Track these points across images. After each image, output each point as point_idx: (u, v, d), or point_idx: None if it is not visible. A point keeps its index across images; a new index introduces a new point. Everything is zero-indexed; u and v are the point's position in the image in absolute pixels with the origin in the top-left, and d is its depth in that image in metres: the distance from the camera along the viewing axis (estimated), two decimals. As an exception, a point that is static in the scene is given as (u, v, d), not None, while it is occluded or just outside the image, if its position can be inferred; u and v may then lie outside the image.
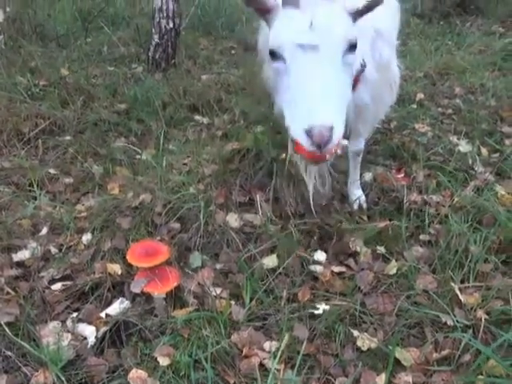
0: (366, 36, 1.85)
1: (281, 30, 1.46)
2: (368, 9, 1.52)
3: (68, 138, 3.09)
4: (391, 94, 2.20)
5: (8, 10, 4.72)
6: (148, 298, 1.80)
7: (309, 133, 1.33)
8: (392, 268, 1.96)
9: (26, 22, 4.96)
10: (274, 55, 1.47)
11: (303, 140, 1.36)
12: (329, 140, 1.34)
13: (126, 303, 1.78)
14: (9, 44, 4.40)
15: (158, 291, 1.70)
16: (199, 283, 1.85)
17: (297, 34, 1.41)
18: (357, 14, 1.51)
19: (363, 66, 1.83)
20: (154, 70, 4.09)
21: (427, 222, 2.22)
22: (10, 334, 1.60)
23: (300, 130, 1.36)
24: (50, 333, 1.66)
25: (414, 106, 3.70)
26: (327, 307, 1.77)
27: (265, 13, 1.54)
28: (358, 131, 2.28)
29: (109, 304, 1.80)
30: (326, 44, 1.40)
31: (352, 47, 1.46)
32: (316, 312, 1.76)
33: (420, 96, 3.86)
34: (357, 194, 2.44)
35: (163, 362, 1.53)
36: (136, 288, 1.71)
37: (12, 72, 3.74)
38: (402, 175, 2.70)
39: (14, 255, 2.06)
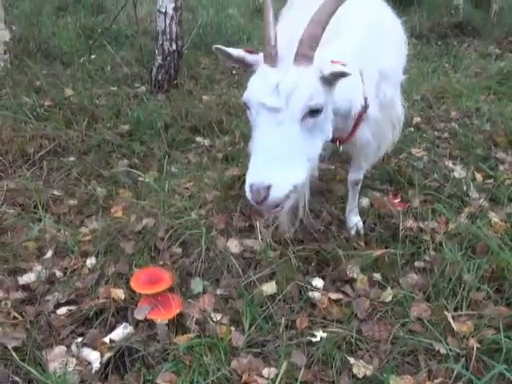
0: (371, 78, 1.91)
1: (251, 86, 1.53)
2: (341, 76, 1.51)
3: (72, 159, 3.15)
4: (394, 132, 2.26)
5: (14, 28, 4.82)
6: (151, 323, 1.85)
7: (249, 189, 1.43)
8: (388, 295, 2.01)
9: (31, 40, 5.06)
10: (246, 105, 1.56)
11: (247, 194, 1.45)
12: (265, 198, 1.40)
13: (130, 329, 1.83)
14: (14, 63, 4.48)
15: (161, 318, 1.76)
16: (200, 309, 1.90)
17: (262, 93, 1.47)
18: (331, 79, 1.51)
19: (365, 107, 1.88)
20: (156, 91, 4.17)
21: (422, 249, 2.29)
22: (17, 359, 1.65)
23: (246, 183, 1.45)
24: (55, 357, 1.71)
25: (411, 130, 3.79)
26: (324, 334, 1.83)
27: (247, 67, 1.62)
28: (359, 165, 2.36)
29: (112, 329, 1.86)
30: (285, 108, 1.45)
31: (315, 112, 1.49)
32: (314, 339, 1.81)
33: (417, 119, 3.96)
34: (354, 220, 2.50)
35: (165, 388, 1.58)
36: (139, 315, 1.76)
37: (17, 92, 3.82)
38: (399, 200, 2.77)
39: (19, 278, 2.12)
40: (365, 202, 2.72)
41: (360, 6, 2.04)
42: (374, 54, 1.92)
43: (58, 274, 2.15)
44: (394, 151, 3.38)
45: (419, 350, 1.79)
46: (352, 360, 1.75)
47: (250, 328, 1.86)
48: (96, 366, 1.69)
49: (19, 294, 2.03)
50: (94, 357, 1.71)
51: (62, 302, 1.98)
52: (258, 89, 1.49)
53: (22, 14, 6.47)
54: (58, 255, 2.28)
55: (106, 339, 1.78)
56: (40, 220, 2.51)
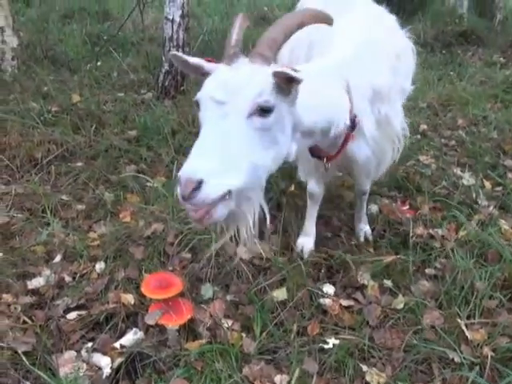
0: (363, 95, 1.88)
1: (204, 85, 1.47)
2: (293, 81, 1.42)
3: (80, 164, 3.16)
4: (394, 148, 2.19)
5: (21, 35, 4.85)
6: (161, 329, 1.84)
7: (179, 182, 1.30)
8: (399, 303, 2.00)
9: (38, 46, 5.08)
10: (197, 105, 1.48)
11: (177, 188, 1.31)
12: (193, 194, 1.27)
13: (140, 334, 1.82)
14: (22, 69, 4.50)
15: (172, 323, 1.75)
16: (211, 315, 1.89)
17: (211, 88, 1.43)
18: (283, 85, 1.43)
19: (352, 126, 1.82)
20: (163, 97, 4.18)
21: (433, 256, 2.27)
22: (27, 363, 1.64)
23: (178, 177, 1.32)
24: (65, 362, 1.70)
25: (418, 137, 3.79)
26: (337, 341, 1.81)
27: (205, 76, 1.53)
28: (362, 180, 2.34)
29: (122, 334, 1.84)
30: (231, 102, 1.38)
31: (264, 111, 1.39)
32: (326, 346, 1.79)
33: (423, 127, 3.95)
34: (363, 227, 2.49)
35: (178, 395, 1.56)
36: (150, 320, 1.75)
37: (25, 97, 3.83)
38: (407, 207, 2.76)
39: (28, 282, 2.11)
40: (374, 208, 2.71)
41: (356, 21, 2.04)
42: (366, 71, 1.89)
43: (67, 278, 2.14)
44: (402, 158, 3.38)
45: (433, 358, 1.77)
46: (365, 368, 1.73)
47: (261, 334, 1.85)
48: (107, 371, 1.67)
49: (28, 299, 2.02)
50: (104, 362, 1.69)
51: (72, 306, 1.96)
52: (209, 85, 1.45)
53: (29, 21, 6.51)
54: (67, 260, 2.27)
55: (117, 344, 1.77)
56: (48, 224, 2.51)
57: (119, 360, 1.70)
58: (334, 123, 1.75)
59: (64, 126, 3.48)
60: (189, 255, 2.23)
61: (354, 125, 1.83)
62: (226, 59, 1.50)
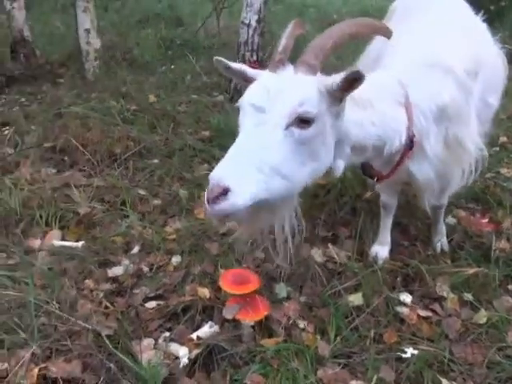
0: (426, 113, 1.75)
1: (247, 89, 1.44)
2: (348, 85, 1.36)
3: (156, 161, 3.26)
4: (464, 171, 1.96)
5: (103, 37, 5.09)
6: (236, 324, 1.85)
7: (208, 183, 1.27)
8: (482, 317, 1.91)
9: (117, 49, 5.32)
10: (239, 110, 1.44)
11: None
12: (217, 199, 1.23)
13: (215, 327, 1.84)
14: (103, 69, 4.72)
15: (249, 319, 1.76)
16: (285, 314, 1.89)
17: (252, 93, 1.39)
18: (337, 91, 1.38)
19: (410, 145, 1.73)
20: (235, 100, 4.23)
21: (517, 272, 2.16)
22: (110, 346, 1.70)
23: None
24: (144, 349, 1.74)
25: (497, 149, 3.63)
26: (415, 351, 1.75)
27: (248, 82, 1.49)
28: (425, 199, 2.07)
29: (198, 326, 1.87)
30: (270, 110, 1.33)
31: (304, 122, 1.34)
32: (404, 355, 1.74)
33: (503, 139, 3.78)
34: (439, 238, 2.40)
35: (255, 390, 1.57)
36: (228, 314, 1.77)
37: (106, 96, 4.01)
38: (487, 220, 2.64)
39: (108, 270, 2.19)
40: (451, 220, 2.62)
41: (425, 29, 1.92)
42: (429, 87, 1.76)
43: (145, 269, 2.21)
44: (480, 170, 3.26)
45: (518, 378, 1.68)
46: (445, 381, 1.67)
47: (335, 338, 1.82)
48: (184, 361, 1.70)
49: (109, 286, 2.10)
50: (182, 352, 1.73)
51: (150, 296, 2.02)
52: (251, 91, 1.41)
53: (109, 25, 6.83)
54: (145, 251, 2.34)
55: (194, 336, 1.80)
56: (127, 217, 2.61)
57: (196, 351, 1.73)
58: (388, 141, 1.66)
59: (141, 124, 3.62)
60: (262, 255, 2.24)
61: (411, 144, 1.72)
62: (271, 66, 1.46)
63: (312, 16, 9.27)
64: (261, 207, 1.37)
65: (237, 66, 1.55)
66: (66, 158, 3.27)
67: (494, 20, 7.95)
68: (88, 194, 2.81)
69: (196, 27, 6.30)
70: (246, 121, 1.37)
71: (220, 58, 1.55)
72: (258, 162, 1.29)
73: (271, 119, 1.33)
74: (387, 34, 1.60)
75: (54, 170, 3.13)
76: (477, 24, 2.17)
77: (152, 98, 4.12)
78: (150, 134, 3.54)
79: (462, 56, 1.85)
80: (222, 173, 1.27)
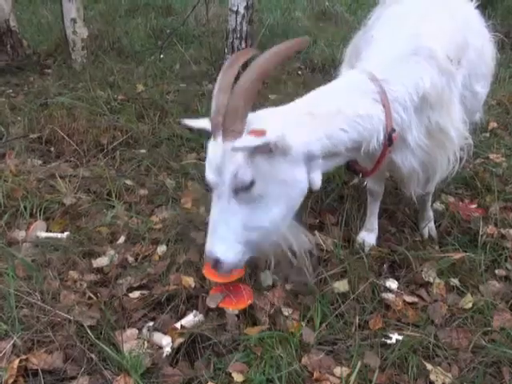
0: (405, 104, 1.72)
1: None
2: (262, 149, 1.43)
3: (143, 151, 3.23)
4: (450, 159, 1.93)
5: (91, 27, 5.02)
6: (220, 313, 1.84)
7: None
8: (467, 302, 1.91)
9: (105, 38, 5.25)
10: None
11: None
12: (216, 267, 1.56)
13: (200, 316, 1.83)
14: (90, 59, 4.66)
15: (233, 307, 1.75)
16: (270, 302, 1.88)
17: (206, 171, 1.52)
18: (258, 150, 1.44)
19: (389, 141, 1.70)
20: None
21: (504, 256, 2.16)
22: (92, 337, 1.68)
23: None
24: (127, 339, 1.73)
25: (487, 135, 3.62)
26: (400, 337, 1.75)
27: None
28: (411, 189, 2.04)
29: (183, 315, 1.86)
30: (220, 184, 1.48)
31: (245, 188, 1.47)
32: (389, 341, 1.73)
33: (493, 125, 3.77)
34: (426, 224, 2.39)
35: (237, 378, 1.56)
36: (212, 302, 1.75)
37: (93, 86, 3.96)
38: (475, 206, 2.64)
39: (93, 261, 2.17)
40: (439, 206, 2.61)
41: (406, 14, 1.90)
42: (409, 78, 1.72)
43: (130, 259, 2.19)
44: (469, 156, 3.25)
45: (503, 362, 1.68)
46: (429, 366, 1.66)
47: (320, 325, 1.81)
48: (167, 350, 1.69)
49: (93, 276, 2.08)
50: (165, 341, 1.71)
51: (135, 286, 2.00)
52: (206, 166, 1.53)
53: (98, 15, 6.74)
54: (130, 241, 2.32)
55: (177, 325, 1.78)
56: (113, 207, 2.58)
57: (179, 340, 1.71)
58: (364, 141, 1.66)
59: (129, 113, 3.58)
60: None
61: (390, 140, 1.70)
62: (212, 130, 1.51)
63: (304, 3, 9.20)
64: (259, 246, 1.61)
65: (198, 124, 1.63)
66: (52, 149, 3.23)
67: (486, 7, 7.91)
68: (74, 184, 2.77)
69: (189, 15, 6.22)
70: (213, 194, 1.55)
71: (183, 121, 1.69)
72: (231, 229, 1.52)
73: (223, 192, 1.49)
74: (302, 47, 1.60)
75: (39, 161, 3.08)
76: (465, 9, 2.12)
77: (140, 88, 4.07)
78: (138, 123, 3.50)
79: (445, 41, 1.81)
80: (208, 247, 1.55)
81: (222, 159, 1.44)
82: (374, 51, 1.84)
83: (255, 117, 1.50)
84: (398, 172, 1.94)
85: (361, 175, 1.92)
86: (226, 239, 1.52)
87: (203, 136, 3.37)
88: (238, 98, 1.42)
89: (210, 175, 1.50)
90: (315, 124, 1.55)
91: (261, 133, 1.42)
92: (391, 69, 1.72)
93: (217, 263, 1.55)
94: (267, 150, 1.45)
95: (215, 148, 1.48)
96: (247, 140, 1.41)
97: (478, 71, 2.04)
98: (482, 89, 2.11)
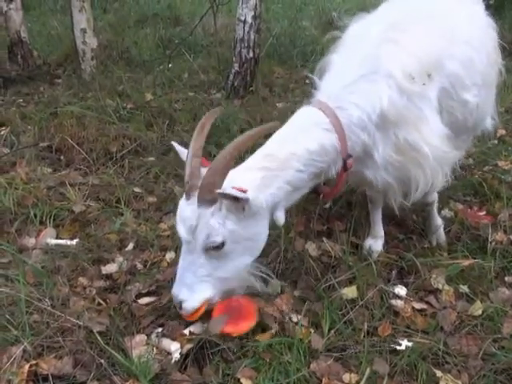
0: (363, 126, 1.78)
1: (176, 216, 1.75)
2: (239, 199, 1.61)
3: (152, 158, 3.26)
4: (425, 178, 1.88)
5: (100, 37, 5.09)
6: (229, 319, 1.84)
7: None
8: (477, 309, 1.90)
9: (114, 48, 5.32)
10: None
11: None
12: (180, 309, 1.75)
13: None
14: (99, 69, 4.71)
15: (236, 332, 1.73)
16: (279, 309, 1.88)
17: (178, 227, 1.70)
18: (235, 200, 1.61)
19: (344, 167, 1.81)
20: (232, 97, 4.23)
21: (514, 263, 2.14)
22: (101, 342, 1.69)
23: None
24: (136, 345, 1.73)
25: (495, 142, 3.61)
26: (409, 344, 1.74)
27: None
28: (392, 199, 2.04)
29: (191, 322, 1.86)
30: (192, 241, 1.67)
31: (217, 247, 1.66)
32: (398, 348, 1.73)
33: (501, 132, 3.76)
34: (435, 231, 2.38)
35: (246, 383, 1.55)
36: (214, 329, 1.72)
37: (102, 95, 4.00)
38: (484, 213, 2.63)
39: (102, 267, 2.19)
40: (448, 213, 2.60)
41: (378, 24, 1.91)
42: (366, 100, 1.76)
43: (139, 265, 2.21)
44: (478, 163, 3.24)
45: (513, 369, 1.66)
46: (439, 373, 1.65)
47: (329, 331, 1.81)
48: (176, 356, 1.69)
49: (102, 283, 2.09)
50: (174, 347, 1.71)
51: (143, 292, 2.01)
52: (177, 223, 1.72)
53: (107, 25, 6.83)
54: (139, 248, 2.34)
55: (186, 331, 1.79)
56: (122, 214, 2.60)
57: (188, 346, 1.71)
58: (323, 173, 1.80)
59: (138, 122, 3.61)
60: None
61: (345, 166, 1.81)
62: (185, 193, 1.70)
63: (311, 13, 9.26)
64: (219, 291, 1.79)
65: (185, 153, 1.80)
66: (61, 157, 3.27)
67: (493, 14, 7.93)
68: (83, 192, 2.80)
69: (197, 25, 6.29)
70: (183, 246, 1.73)
71: (174, 144, 1.96)
72: (197, 278, 1.72)
73: (195, 248, 1.68)
74: (272, 131, 1.77)
75: (49, 169, 3.12)
76: (459, 16, 2.06)
77: (148, 96, 4.11)
78: (146, 131, 3.53)
79: (407, 59, 1.81)
80: (174, 292, 1.74)
81: (196, 221, 1.62)
82: (331, 77, 1.92)
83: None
84: (372, 186, 1.99)
85: (322, 196, 2.00)
86: (191, 287, 1.71)
87: (211, 144, 3.41)
88: (214, 173, 1.62)
89: (182, 233, 1.67)
90: (273, 176, 1.70)
91: (242, 190, 1.60)
92: (345, 94, 1.79)
93: (181, 305, 1.73)
94: (240, 208, 1.64)
95: (189, 209, 1.65)
96: (232, 190, 1.57)
97: (467, 81, 1.98)
98: (475, 98, 2.03)
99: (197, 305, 1.73)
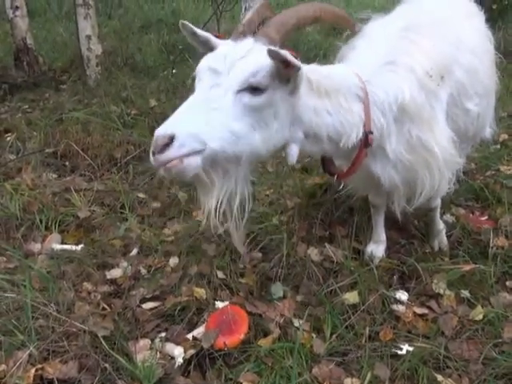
0: (384, 110, 1.72)
1: (205, 56, 1.47)
2: (289, 65, 1.37)
3: (156, 164, 3.27)
4: (435, 177, 1.85)
5: (105, 43, 5.14)
6: (232, 324, 1.86)
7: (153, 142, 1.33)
8: (478, 314, 1.91)
9: (119, 54, 5.36)
10: (193, 80, 1.48)
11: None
12: (161, 148, 1.29)
13: (211, 327, 1.85)
14: (104, 75, 4.76)
15: (229, 344, 1.73)
16: (281, 313, 1.90)
17: (211, 58, 1.43)
18: (285, 65, 1.38)
19: (365, 142, 1.69)
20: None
21: (515, 268, 2.16)
22: (106, 347, 1.72)
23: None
24: (140, 349, 1.76)
25: (498, 147, 3.61)
26: (410, 348, 1.75)
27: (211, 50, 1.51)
28: (399, 204, 2.01)
29: (194, 326, 1.89)
30: (225, 74, 1.38)
31: (255, 90, 1.38)
32: (399, 352, 1.74)
33: (504, 136, 3.76)
34: (436, 236, 2.39)
35: (248, 388, 1.58)
36: (206, 343, 1.73)
37: (107, 101, 4.04)
38: (486, 218, 2.64)
39: (107, 273, 2.22)
40: (450, 218, 2.61)
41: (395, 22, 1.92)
42: (390, 85, 1.72)
43: (143, 271, 2.23)
44: (480, 168, 3.25)
45: (514, 374, 1.67)
46: (440, 378, 1.66)
47: (331, 336, 1.83)
48: (179, 361, 1.71)
49: (107, 288, 2.12)
50: (177, 352, 1.74)
51: (147, 297, 2.04)
52: (210, 55, 1.45)
53: (112, 32, 6.89)
54: (143, 253, 2.37)
55: (189, 336, 1.81)
56: (126, 220, 2.63)
57: (191, 351, 1.74)
58: (344, 134, 1.65)
59: (142, 128, 3.65)
60: (259, 254, 2.26)
61: (367, 141, 1.69)
62: (233, 37, 1.49)
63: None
64: (211, 169, 1.41)
65: (202, 33, 1.57)
66: (66, 163, 3.31)
67: (496, 19, 7.92)
68: (88, 198, 2.84)
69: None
70: (201, 84, 1.41)
71: (186, 23, 1.57)
72: (207, 117, 1.34)
73: (225, 82, 1.37)
74: (351, 26, 1.63)
75: (54, 175, 3.16)
76: (463, 28, 2.08)
77: (153, 102, 4.14)
78: (151, 137, 3.54)
79: (424, 58, 1.81)
80: (166, 124, 1.32)
81: (244, 54, 1.39)
82: (357, 57, 1.86)
83: None
84: (380, 184, 1.91)
85: (336, 177, 1.88)
86: (194, 121, 1.33)
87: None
88: (292, 14, 1.45)
89: (215, 63, 1.40)
90: (308, 93, 1.54)
91: (295, 57, 1.39)
92: (374, 73, 1.73)
93: (168, 143, 1.29)
94: (286, 78, 1.43)
95: (238, 45, 1.43)
96: (285, 52, 1.34)
97: (470, 90, 2.00)
98: (476, 106, 2.05)
99: (190, 148, 1.32)
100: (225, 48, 1.45)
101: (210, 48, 1.53)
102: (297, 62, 1.36)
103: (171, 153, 1.30)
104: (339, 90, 1.63)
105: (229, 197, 1.51)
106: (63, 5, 8.84)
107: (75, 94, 4.49)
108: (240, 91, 1.38)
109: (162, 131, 1.31)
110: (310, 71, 1.56)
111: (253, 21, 1.53)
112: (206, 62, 1.44)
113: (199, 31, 1.57)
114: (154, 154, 1.32)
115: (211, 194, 1.48)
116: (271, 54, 1.33)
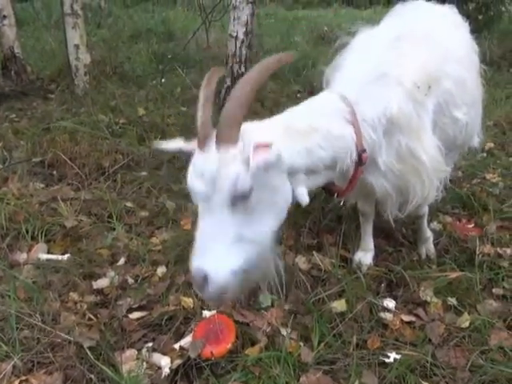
0: (374, 126, 1.74)
1: (188, 174, 1.46)
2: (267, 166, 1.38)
3: (144, 173, 3.28)
4: (424, 184, 1.88)
5: (94, 52, 5.13)
6: (219, 333, 1.85)
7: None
8: (465, 321, 1.92)
9: (107, 64, 5.36)
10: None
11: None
12: (203, 287, 1.39)
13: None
14: (92, 84, 4.75)
15: (215, 354, 1.72)
16: (268, 322, 1.89)
17: (191, 180, 1.43)
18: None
19: (359, 162, 1.73)
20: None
21: (501, 275, 2.17)
22: (92, 358, 1.70)
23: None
24: (127, 360, 1.74)
25: (484, 155, 3.66)
26: (398, 356, 1.75)
27: (188, 156, 1.51)
28: (390, 213, 2.04)
29: (181, 336, 1.87)
30: (213, 196, 1.38)
31: (242, 197, 1.39)
32: (387, 360, 1.74)
33: (490, 145, 3.82)
34: (424, 244, 2.41)
35: (236, 397, 1.56)
36: (193, 352, 1.72)
37: (95, 110, 4.03)
38: (472, 225, 2.66)
39: (93, 282, 2.19)
40: (436, 225, 2.63)
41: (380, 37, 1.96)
42: (377, 100, 1.74)
43: (130, 280, 2.21)
44: (467, 176, 3.29)
45: (500, 380, 1.67)
46: (427, 385, 1.67)
47: (319, 345, 1.82)
48: (166, 371, 1.70)
49: (93, 298, 2.10)
50: (164, 362, 1.72)
51: (134, 307, 2.02)
52: (190, 177, 1.45)
53: (100, 41, 6.90)
54: (130, 263, 2.35)
55: (176, 346, 1.80)
56: (113, 229, 2.62)
57: (178, 361, 1.72)
58: (339, 160, 1.67)
59: (130, 137, 3.64)
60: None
61: (361, 160, 1.72)
62: (198, 143, 1.45)
63: (303, 28, 9.39)
64: (248, 274, 1.48)
65: (172, 146, 1.58)
66: (54, 172, 3.28)
67: (482, 29, 8.05)
68: (75, 207, 2.81)
69: (190, 41, 6.36)
70: (199, 207, 1.45)
71: (156, 145, 1.64)
72: (223, 240, 1.40)
73: (216, 203, 1.39)
74: (290, 60, 1.58)
75: (42, 185, 3.13)
76: (451, 40, 2.12)
77: (141, 111, 4.14)
78: (139, 146, 3.56)
79: (412, 68, 1.84)
80: (195, 265, 1.41)
81: (218, 168, 1.37)
82: (345, 74, 1.89)
83: (242, 130, 1.44)
84: (372, 194, 1.96)
85: (336, 195, 1.90)
86: (218, 254, 1.40)
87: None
88: (234, 105, 1.39)
89: (200, 187, 1.40)
90: (296, 138, 1.54)
91: (266, 146, 1.37)
92: (361, 91, 1.75)
93: (204, 281, 1.39)
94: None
95: (206, 159, 1.41)
96: (263, 155, 1.35)
97: (458, 100, 2.03)
98: (464, 115, 2.08)
99: (228, 276, 1.40)
100: (198, 163, 1.43)
101: (184, 153, 1.54)
102: (270, 157, 1.35)
103: (211, 289, 1.40)
104: (327, 120, 1.65)
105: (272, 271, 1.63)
106: (52, 14, 8.84)
107: (63, 103, 4.48)
108: (232, 204, 1.39)
109: (195, 273, 1.41)
110: (289, 119, 1.59)
111: (207, 116, 1.49)
112: (190, 184, 1.44)
113: (169, 146, 1.59)
114: (199, 290, 1.45)
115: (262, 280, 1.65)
116: (255, 169, 1.35)
